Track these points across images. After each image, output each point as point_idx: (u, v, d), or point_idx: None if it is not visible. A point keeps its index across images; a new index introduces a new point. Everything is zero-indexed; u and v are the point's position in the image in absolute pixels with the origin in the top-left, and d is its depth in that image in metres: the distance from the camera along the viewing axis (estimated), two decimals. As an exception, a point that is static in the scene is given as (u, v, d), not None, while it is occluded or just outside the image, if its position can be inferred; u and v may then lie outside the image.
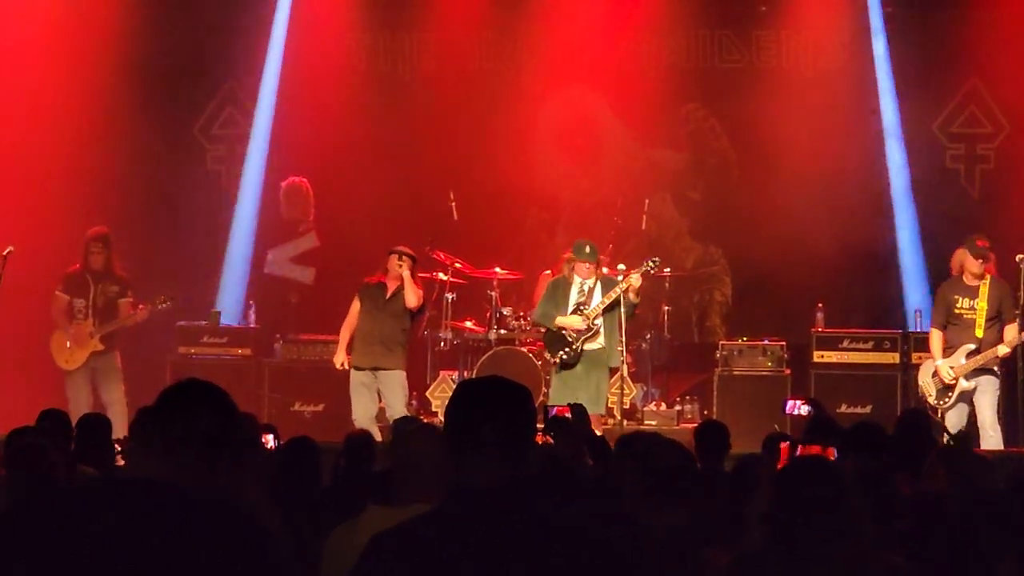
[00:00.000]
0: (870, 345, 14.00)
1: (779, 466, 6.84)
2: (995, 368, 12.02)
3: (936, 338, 12.13)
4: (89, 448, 7.69)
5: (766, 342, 14.17)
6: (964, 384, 11.89)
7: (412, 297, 12.43)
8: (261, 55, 15.53)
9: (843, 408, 13.42)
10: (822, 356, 14.05)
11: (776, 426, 10.46)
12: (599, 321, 12.28)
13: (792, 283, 14.80)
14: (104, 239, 13.18)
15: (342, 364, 12.60)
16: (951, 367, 11.91)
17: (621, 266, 13.23)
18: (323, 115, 15.52)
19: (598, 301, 12.31)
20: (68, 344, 13.07)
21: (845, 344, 14.06)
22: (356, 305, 12.65)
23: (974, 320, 11.94)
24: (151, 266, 13.87)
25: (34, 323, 13.51)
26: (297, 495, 6.47)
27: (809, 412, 9.44)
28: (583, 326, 12.27)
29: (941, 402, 12.01)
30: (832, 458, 6.42)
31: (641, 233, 15.00)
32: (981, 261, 11.89)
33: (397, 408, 12.32)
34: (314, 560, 4.81)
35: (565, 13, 15.37)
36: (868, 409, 13.41)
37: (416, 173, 15.35)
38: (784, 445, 7.47)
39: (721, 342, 14.48)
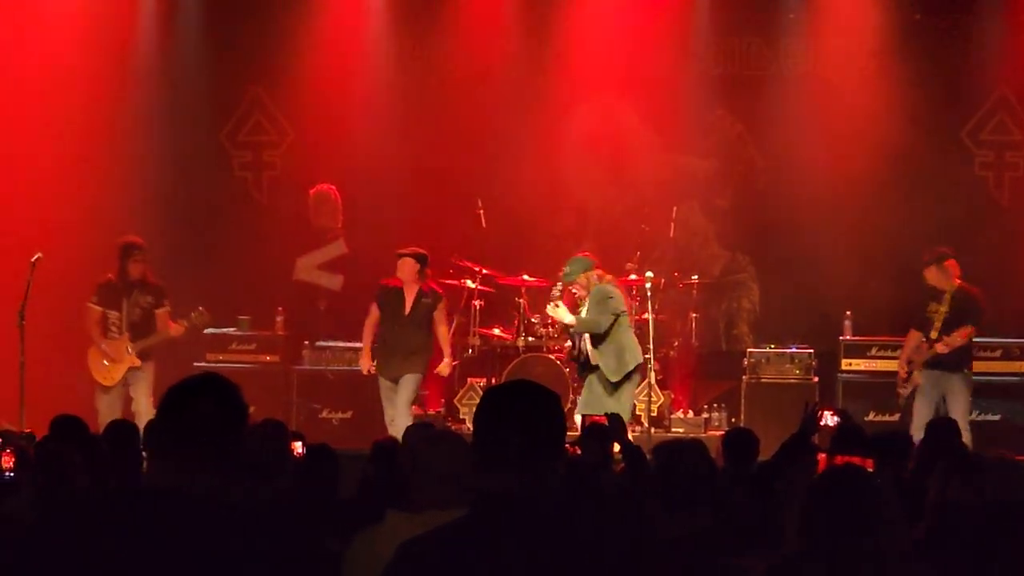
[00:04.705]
0: (898, 353, 13.94)
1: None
2: (965, 370, 12.52)
3: (910, 337, 12.77)
4: (117, 457, 7.70)
5: (794, 349, 14.15)
6: (915, 378, 12.55)
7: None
8: (288, 61, 15.57)
9: (871, 416, 13.42)
10: (850, 364, 14.05)
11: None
12: (587, 347, 11.94)
13: (820, 291, 14.77)
14: (144, 248, 12.80)
15: (368, 370, 12.71)
16: (909, 360, 12.65)
17: (649, 273, 13.24)
18: (351, 122, 15.55)
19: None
20: (105, 362, 12.75)
21: (873, 352, 14.06)
22: (375, 311, 12.75)
23: (933, 322, 12.52)
24: (176, 272, 13.85)
25: (61, 329, 13.55)
26: (316, 502, 6.47)
27: (837, 422, 9.44)
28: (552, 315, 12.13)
29: (902, 390, 12.71)
30: (871, 469, 6.41)
31: (668, 240, 14.98)
32: (934, 268, 12.53)
33: (401, 405, 12.42)
34: (336, 568, 4.80)
35: (593, 20, 15.36)
36: (896, 417, 13.37)
37: (444, 180, 15.35)
38: (821, 456, 7.50)
39: (749, 349, 14.46)
